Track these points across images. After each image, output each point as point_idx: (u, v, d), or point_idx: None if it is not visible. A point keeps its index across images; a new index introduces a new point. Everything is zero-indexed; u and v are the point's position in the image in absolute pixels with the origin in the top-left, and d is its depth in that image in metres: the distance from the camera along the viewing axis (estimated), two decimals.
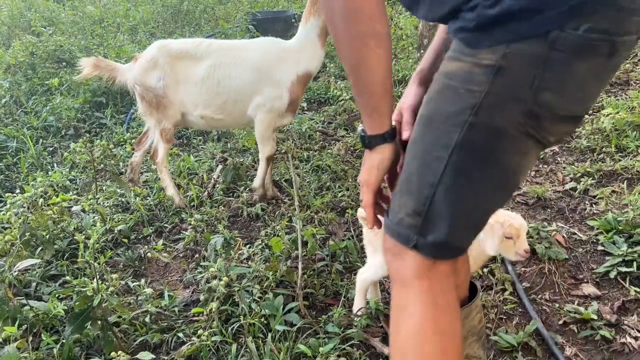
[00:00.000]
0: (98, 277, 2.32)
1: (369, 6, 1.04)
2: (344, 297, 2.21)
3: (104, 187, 3.30)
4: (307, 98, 4.57)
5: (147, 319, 2.13)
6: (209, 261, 2.37)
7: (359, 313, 2.09)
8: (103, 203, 3.10)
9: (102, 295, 1.84)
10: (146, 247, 2.71)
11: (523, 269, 2.34)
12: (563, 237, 2.50)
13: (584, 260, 2.38)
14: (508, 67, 0.97)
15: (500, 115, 1.00)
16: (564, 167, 3.14)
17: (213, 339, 2.01)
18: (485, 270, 2.34)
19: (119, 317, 2.11)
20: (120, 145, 3.99)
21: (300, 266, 2.21)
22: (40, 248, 2.52)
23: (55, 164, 3.82)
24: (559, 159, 3.30)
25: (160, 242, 2.67)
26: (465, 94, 1.02)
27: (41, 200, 2.96)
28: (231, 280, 2.20)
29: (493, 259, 2.37)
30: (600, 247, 2.42)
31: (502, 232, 1.81)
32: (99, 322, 1.88)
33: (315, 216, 2.75)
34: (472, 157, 1.04)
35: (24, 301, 2.07)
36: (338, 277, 2.34)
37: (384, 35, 1.07)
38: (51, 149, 4.14)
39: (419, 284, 1.16)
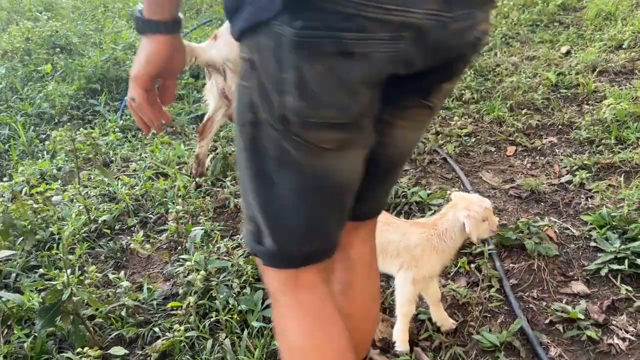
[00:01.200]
0: (71, 269, 2.30)
1: None
2: None
3: (92, 176, 3.26)
4: None
5: (123, 313, 2.09)
6: (189, 254, 2.32)
7: None
8: (89, 193, 3.06)
9: (71, 289, 1.79)
10: (129, 238, 2.67)
11: (512, 265, 2.27)
12: (555, 232, 2.42)
13: (575, 256, 2.30)
14: (257, 62, 0.87)
15: (266, 115, 0.91)
16: (561, 159, 3.05)
17: (189, 334, 1.97)
18: (472, 265, 2.27)
19: (96, 309, 2.08)
20: (114, 133, 3.94)
21: None
22: (21, 238, 2.49)
23: (45, 152, 3.78)
24: (557, 150, 3.21)
25: (141, 233, 2.63)
26: (242, 90, 0.94)
27: (26, 189, 2.93)
28: (209, 274, 2.16)
29: (480, 254, 2.31)
30: (593, 244, 2.34)
31: (481, 218, 1.79)
32: (71, 316, 1.84)
33: None
34: (262, 158, 0.95)
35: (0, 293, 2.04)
36: None
37: None
38: (44, 136, 4.10)
39: (284, 299, 1.08)
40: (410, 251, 1.83)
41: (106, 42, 5.12)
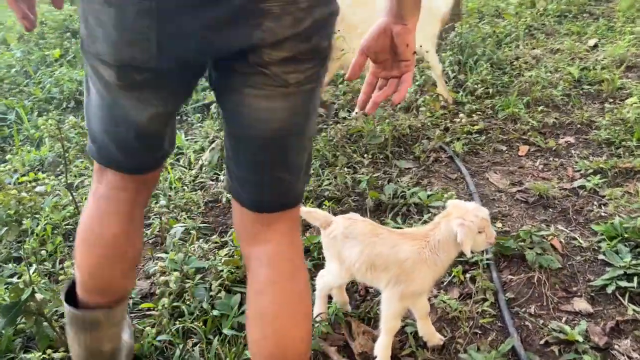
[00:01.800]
0: (52, 263, 2.23)
1: None
2: None
3: (88, 166, 3.20)
4: None
5: None
6: (170, 251, 2.23)
7: (318, 319, 1.91)
8: (83, 182, 2.99)
9: (33, 288, 1.72)
10: None
11: (510, 276, 2.11)
12: (560, 242, 2.24)
13: (581, 270, 2.13)
14: None
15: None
16: (576, 162, 2.85)
17: (160, 338, 1.88)
18: (467, 275, 2.12)
19: None
20: None
21: None
22: (6, 228, 2.44)
23: (47, 139, 3.74)
24: (573, 151, 3.00)
25: None
26: None
27: (17, 177, 2.89)
28: (186, 275, 2.07)
29: (474, 264, 2.15)
30: (601, 256, 2.16)
31: (477, 229, 1.64)
32: (33, 315, 1.76)
33: None
34: (86, 70, 1.22)
35: None
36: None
37: None
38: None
39: (92, 184, 1.40)
40: (400, 265, 1.69)
41: None
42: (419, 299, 1.78)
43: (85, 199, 2.79)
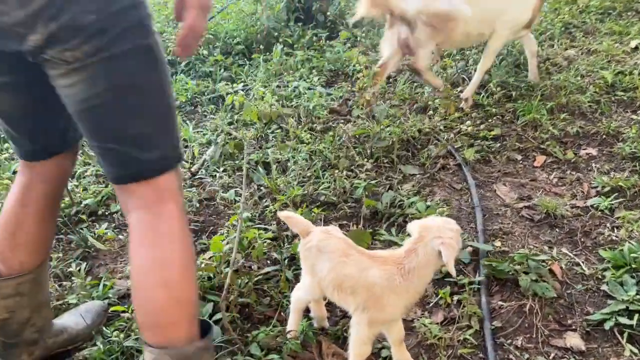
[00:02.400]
0: None
1: None
2: (286, 312, 1.96)
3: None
4: (326, 70, 4.21)
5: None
6: None
7: (289, 336, 1.83)
8: (85, 172, 2.99)
9: None
10: (107, 225, 2.57)
11: (500, 302, 1.96)
12: (561, 268, 2.08)
13: (580, 300, 1.96)
14: None
15: None
16: (595, 177, 2.64)
17: (127, 343, 1.84)
18: (455, 298, 1.98)
19: None
20: None
21: (230, 270, 1.96)
22: None
23: None
24: (593, 165, 2.79)
25: (105, 225, 2.52)
26: None
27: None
28: None
29: (462, 287, 2.01)
30: (604, 287, 1.98)
31: (458, 245, 1.55)
32: None
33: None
34: None
35: None
36: (287, 286, 2.08)
37: None
38: None
39: None
40: (369, 290, 1.58)
41: None
42: (392, 325, 1.67)
43: (84, 189, 2.80)
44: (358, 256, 1.62)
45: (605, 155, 2.87)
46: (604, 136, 3.01)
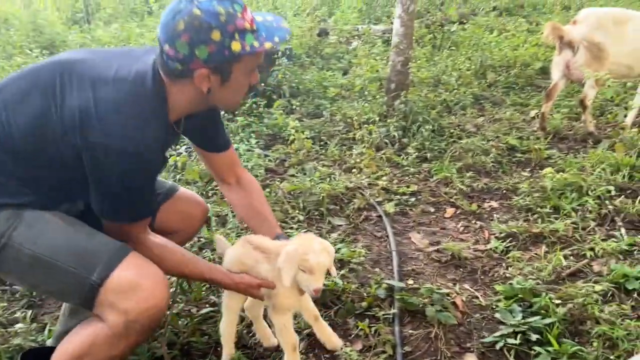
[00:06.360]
0: None
1: None
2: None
3: None
4: (264, 134, 4.56)
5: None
6: None
7: None
8: None
9: None
10: None
11: (411, 331, 2.26)
12: (462, 300, 2.41)
13: (477, 327, 2.29)
14: None
15: None
16: (494, 225, 3.05)
17: None
18: (373, 328, 2.26)
19: None
20: None
21: (168, 312, 2.16)
22: None
23: None
24: (495, 215, 3.22)
25: None
26: None
27: None
28: None
29: (379, 319, 2.30)
30: (497, 315, 2.32)
31: (297, 264, 1.75)
32: None
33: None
34: None
35: None
36: None
37: None
38: None
39: None
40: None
41: None
42: (301, 305, 1.97)
43: None
44: (251, 250, 1.90)
45: (505, 207, 3.32)
46: (504, 191, 3.48)
